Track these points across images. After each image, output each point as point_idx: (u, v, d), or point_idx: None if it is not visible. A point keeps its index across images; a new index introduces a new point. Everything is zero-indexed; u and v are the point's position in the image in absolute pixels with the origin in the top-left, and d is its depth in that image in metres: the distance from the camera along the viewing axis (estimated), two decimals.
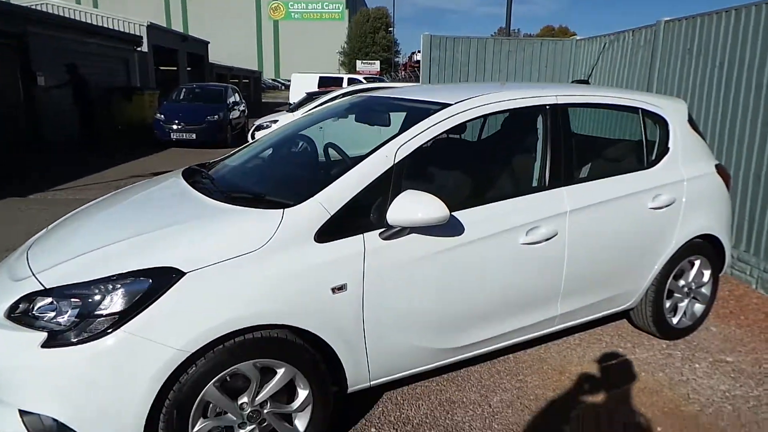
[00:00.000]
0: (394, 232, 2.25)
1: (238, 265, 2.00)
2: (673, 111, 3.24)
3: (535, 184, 2.76)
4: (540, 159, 2.77)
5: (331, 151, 3.20)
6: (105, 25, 17.55)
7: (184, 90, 14.55)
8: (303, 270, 2.09)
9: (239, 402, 2.08)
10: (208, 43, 26.81)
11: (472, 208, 2.48)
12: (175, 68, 22.67)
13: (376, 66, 39.87)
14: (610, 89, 3.21)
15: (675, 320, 3.33)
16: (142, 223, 2.29)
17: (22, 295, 1.96)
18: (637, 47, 5.76)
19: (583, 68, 6.70)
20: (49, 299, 1.93)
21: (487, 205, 2.54)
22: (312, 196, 2.18)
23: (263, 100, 36.12)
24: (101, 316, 1.86)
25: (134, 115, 15.15)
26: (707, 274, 3.39)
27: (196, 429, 1.99)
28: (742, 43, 4.26)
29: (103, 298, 1.88)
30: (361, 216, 2.24)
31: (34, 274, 2.06)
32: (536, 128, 2.85)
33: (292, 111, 10.96)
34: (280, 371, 2.11)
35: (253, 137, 9.86)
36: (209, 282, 1.95)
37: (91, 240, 2.21)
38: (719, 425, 2.58)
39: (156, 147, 12.18)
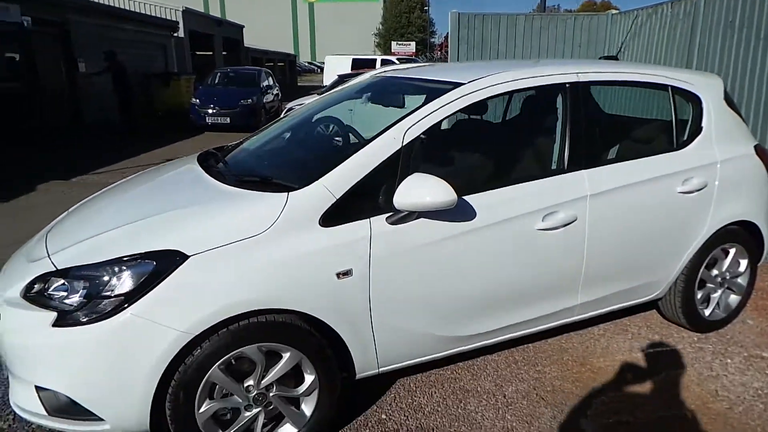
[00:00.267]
0: (401, 217, 2.19)
1: (241, 248, 1.99)
2: (708, 88, 3.04)
3: (554, 167, 2.64)
4: (559, 141, 2.64)
5: (349, 133, 3.16)
6: (142, 11, 17.86)
7: (219, 74, 14.72)
8: (307, 254, 2.06)
9: (245, 384, 2.08)
10: (243, 27, 27.00)
11: (486, 192, 2.40)
12: (210, 53, 22.95)
13: (412, 47, 39.31)
14: (638, 65, 3.03)
15: (707, 312, 3.16)
16: (153, 206, 2.31)
17: (37, 275, 2.02)
18: (675, 21, 5.44)
19: (619, 44, 6.39)
20: (62, 280, 1.97)
21: (502, 188, 2.44)
22: (317, 179, 2.14)
23: (299, 84, 36.31)
24: (108, 297, 1.89)
25: (172, 100, 15.49)
26: (744, 263, 3.19)
27: (202, 410, 2.01)
28: None
29: (109, 280, 1.91)
30: (368, 200, 2.19)
31: (49, 255, 2.10)
32: (556, 108, 2.71)
33: (324, 94, 10.94)
34: (286, 356, 2.10)
35: None
36: (213, 265, 1.95)
37: (104, 222, 2.25)
38: (750, 424, 2.44)
39: (192, 131, 12.40)
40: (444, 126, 2.51)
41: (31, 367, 1.95)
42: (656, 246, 2.84)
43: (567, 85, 2.66)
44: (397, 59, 22.52)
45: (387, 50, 43.91)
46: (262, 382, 2.10)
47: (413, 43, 40.95)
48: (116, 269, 1.92)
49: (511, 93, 2.60)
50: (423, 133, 2.31)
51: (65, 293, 1.94)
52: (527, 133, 2.97)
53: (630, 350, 3.03)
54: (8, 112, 10.20)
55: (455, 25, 7.10)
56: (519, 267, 2.47)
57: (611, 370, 2.84)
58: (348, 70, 17.90)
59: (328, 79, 18.76)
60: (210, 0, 58.52)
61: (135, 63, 14.71)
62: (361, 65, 19.66)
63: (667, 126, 2.96)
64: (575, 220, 2.54)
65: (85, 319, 1.87)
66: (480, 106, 3.22)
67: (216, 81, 14.32)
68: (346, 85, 3.46)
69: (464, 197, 2.33)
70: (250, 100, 12.94)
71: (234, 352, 2.00)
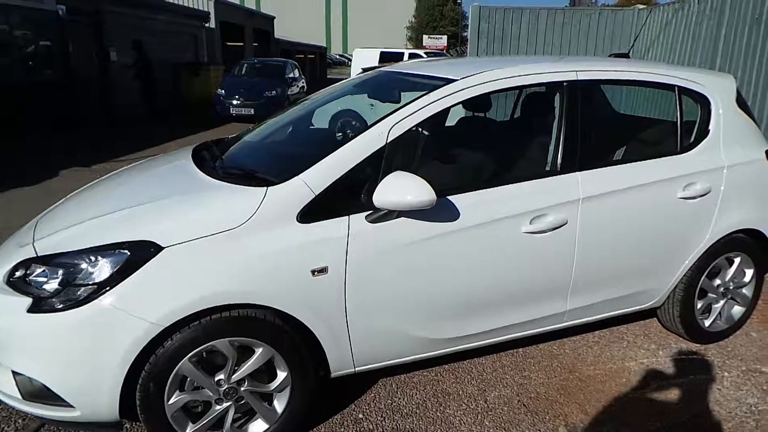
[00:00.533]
0: (381, 215, 2.16)
1: (217, 241, 1.99)
2: (718, 89, 2.90)
3: (547, 168, 2.56)
4: (554, 141, 2.57)
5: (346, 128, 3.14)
6: (174, 2, 18.13)
7: (245, 65, 14.87)
8: (282, 250, 2.05)
9: (216, 378, 2.10)
10: (274, 18, 27.19)
11: (472, 192, 2.35)
12: (241, 44, 23.18)
13: (443, 41, 38.87)
14: (646, 64, 2.91)
15: (707, 322, 3.04)
16: (138, 196, 2.34)
17: (19, 261, 2.06)
18: (702, 17, 5.23)
19: (644, 40, 6.19)
20: (43, 267, 2.01)
21: (489, 189, 2.38)
22: (297, 174, 2.13)
23: (329, 76, 36.39)
24: (83, 285, 1.92)
25: (201, 90, 15.70)
26: (749, 273, 3.06)
27: (171, 401, 2.03)
28: None
29: (84, 269, 1.94)
30: (349, 197, 2.17)
31: (33, 242, 2.15)
32: (554, 107, 2.63)
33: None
34: (258, 351, 2.11)
35: None
36: (187, 257, 1.96)
37: (90, 211, 2.28)
38: None
39: (217, 122, 12.57)
40: (431, 123, 2.45)
41: (9, 352, 2.00)
42: (652, 253, 2.74)
43: (565, 84, 2.58)
44: (425, 53, 22.30)
45: (419, 44, 43.61)
46: (233, 376, 2.10)
47: (445, 37, 40.52)
48: (92, 258, 1.95)
49: (504, 90, 2.52)
50: (409, 130, 2.27)
51: (45, 279, 1.98)
52: (523, 132, 2.90)
53: (623, 359, 2.94)
54: (40, 100, 10.51)
55: (476, 18, 7.00)
56: (503, 270, 2.42)
57: (600, 379, 2.76)
58: (376, 64, 17.89)
59: (354, 72, 18.75)
60: None
61: (166, 53, 14.98)
62: (389, 59, 19.51)
63: (672, 128, 2.85)
64: (565, 223, 2.47)
65: (59, 306, 1.90)
66: (479, 104, 3.18)
67: (243, 72, 14.46)
68: (348, 80, 3.43)
69: (449, 197, 2.29)
70: (274, 92, 13.03)
71: (205, 345, 2.01)
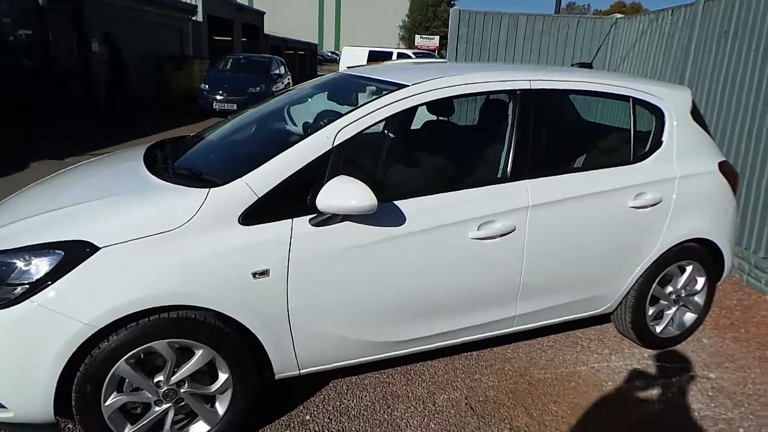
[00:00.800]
0: (324, 219, 2.16)
1: (155, 242, 1.98)
2: (673, 101, 2.94)
3: (498, 175, 2.58)
4: (506, 148, 2.58)
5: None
6: None
7: (230, 60, 14.75)
8: (223, 252, 2.05)
9: (155, 380, 2.08)
10: (264, 13, 27.04)
11: (420, 198, 2.36)
12: (229, 38, 23.04)
13: (435, 41, 38.89)
14: (602, 74, 2.94)
15: (659, 328, 3.08)
16: (83, 194, 2.31)
17: None
18: (674, 28, 5.29)
19: (620, 50, 6.24)
20: None
21: (438, 194, 2.40)
22: (241, 176, 2.13)
23: (318, 73, 36.27)
24: (15, 284, 1.89)
25: (185, 85, 15.58)
26: (701, 281, 3.10)
27: (108, 402, 2.01)
28: None
29: (18, 268, 1.91)
30: (293, 200, 2.17)
31: None
32: (507, 115, 2.65)
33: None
34: (198, 353, 2.10)
35: None
36: (124, 258, 1.95)
37: (34, 208, 2.25)
38: None
39: (199, 116, 12.47)
40: (381, 128, 2.46)
41: None
42: (603, 260, 2.77)
43: (518, 92, 2.60)
44: (414, 53, 22.32)
45: (411, 43, 43.57)
46: (173, 378, 2.09)
47: (437, 38, 40.48)
48: (26, 257, 1.93)
49: (456, 97, 2.53)
50: (357, 134, 2.27)
51: None
52: (478, 139, 2.91)
53: (575, 363, 2.97)
54: (19, 89, 10.37)
55: (455, 22, 7.01)
56: (450, 275, 2.43)
57: (549, 383, 2.79)
58: (364, 62, 17.85)
59: (341, 70, 18.69)
60: None
61: (149, 45, 14.85)
62: (377, 58, 19.53)
63: (627, 137, 2.88)
64: (514, 230, 2.48)
65: None
66: (439, 109, 3.19)
67: (228, 66, 14.35)
68: (311, 81, 3.43)
69: (396, 202, 2.30)
70: (258, 88, 12.94)
71: (143, 346, 2.00)
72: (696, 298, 3.13)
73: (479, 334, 2.66)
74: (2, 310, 1.87)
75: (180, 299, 2.01)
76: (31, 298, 1.86)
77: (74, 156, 7.52)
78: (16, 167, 6.75)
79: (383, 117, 2.35)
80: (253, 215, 2.10)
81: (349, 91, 2.99)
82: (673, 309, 3.10)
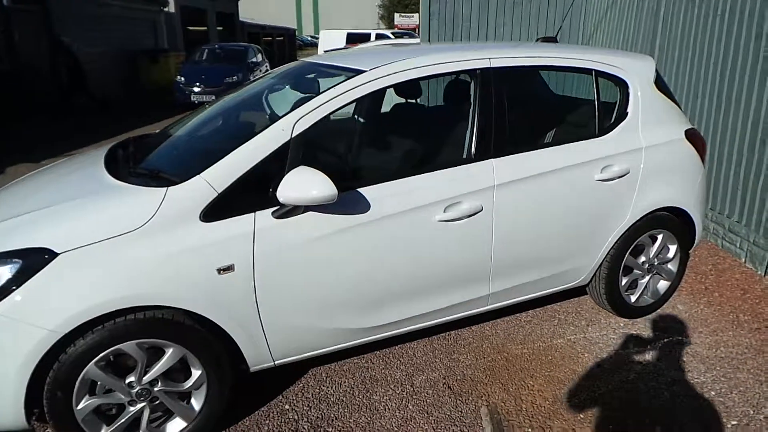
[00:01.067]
0: (287, 211, 2.16)
1: (115, 245, 1.97)
2: (636, 71, 2.93)
3: (463, 156, 2.57)
4: (469, 129, 2.57)
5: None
6: None
7: (206, 51, 14.52)
8: (186, 250, 2.04)
9: (127, 381, 2.09)
10: (238, 0, 26.55)
11: (384, 183, 2.35)
12: (205, 28, 22.64)
13: (415, 19, 38.42)
14: (563, 48, 2.92)
15: (633, 298, 3.12)
16: (42, 200, 2.28)
17: None
18: None
19: (590, 22, 6.21)
20: None
21: (400, 180, 2.38)
22: (198, 173, 2.11)
23: (299, 58, 35.77)
24: None
25: (161, 78, 15.34)
26: (673, 249, 3.14)
27: (80, 406, 2.02)
28: None
29: None
30: (254, 193, 2.16)
31: None
32: (469, 95, 2.64)
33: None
34: (168, 351, 2.10)
35: None
36: (84, 262, 1.93)
37: None
38: (651, 412, 2.42)
39: (176, 109, 12.30)
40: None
41: None
42: (573, 234, 2.79)
43: (478, 71, 2.58)
44: (393, 33, 22.09)
45: (391, 23, 43.03)
46: (145, 378, 2.10)
47: (416, 15, 40.06)
48: None
49: (416, 80, 2.51)
50: (315, 124, 2.25)
51: None
52: (441, 121, 2.90)
53: (552, 337, 3.01)
54: None
55: None
56: (418, 258, 2.44)
57: (526, 358, 2.82)
58: (342, 45, 17.62)
59: (319, 53, 18.47)
60: None
61: (121, 40, 14.59)
62: (355, 40, 19.26)
63: (590, 112, 2.88)
64: (480, 210, 2.49)
65: None
66: (403, 91, 3.17)
67: (203, 57, 14.14)
68: (274, 70, 3.38)
69: (359, 189, 2.29)
70: (235, 77, 12.77)
71: (111, 349, 1.99)
72: (669, 265, 3.17)
73: (454, 315, 2.68)
74: None
75: (146, 299, 2.00)
76: None
77: (50, 158, 7.41)
78: None
79: (342, 104, 2.32)
80: (215, 211, 2.09)
81: (310, 80, 2.95)
82: (647, 278, 3.14)
